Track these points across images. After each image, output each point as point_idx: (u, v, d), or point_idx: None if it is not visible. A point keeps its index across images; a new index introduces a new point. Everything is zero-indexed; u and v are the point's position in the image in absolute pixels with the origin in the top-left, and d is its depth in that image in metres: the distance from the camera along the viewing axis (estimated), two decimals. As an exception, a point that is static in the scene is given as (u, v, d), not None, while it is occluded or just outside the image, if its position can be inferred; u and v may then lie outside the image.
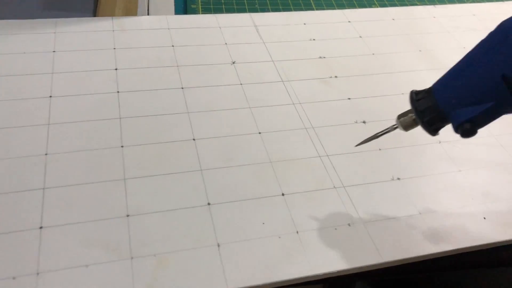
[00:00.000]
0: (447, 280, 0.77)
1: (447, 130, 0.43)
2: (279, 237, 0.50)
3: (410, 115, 0.44)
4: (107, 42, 0.72)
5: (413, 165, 0.59)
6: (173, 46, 0.73)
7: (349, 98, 0.68)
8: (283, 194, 0.54)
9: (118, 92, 0.64)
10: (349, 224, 0.52)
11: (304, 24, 0.82)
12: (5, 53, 0.67)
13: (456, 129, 0.40)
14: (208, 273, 0.46)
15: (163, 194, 0.52)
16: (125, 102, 0.62)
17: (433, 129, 0.43)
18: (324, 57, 0.75)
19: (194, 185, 0.54)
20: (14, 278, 0.44)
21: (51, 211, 0.49)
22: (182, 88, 0.66)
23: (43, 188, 0.51)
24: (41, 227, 0.48)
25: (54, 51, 0.69)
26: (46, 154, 0.55)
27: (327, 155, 0.59)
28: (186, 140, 0.59)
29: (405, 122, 0.45)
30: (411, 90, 0.45)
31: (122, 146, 0.57)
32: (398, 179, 0.57)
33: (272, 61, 0.73)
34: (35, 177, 0.52)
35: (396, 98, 0.69)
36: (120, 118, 0.60)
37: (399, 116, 0.45)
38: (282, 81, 0.69)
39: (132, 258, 0.46)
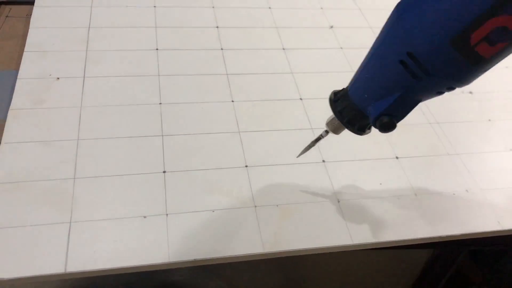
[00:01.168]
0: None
1: None
2: (398, 198, 0.49)
3: (335, 117, 0.41)
4: (205, 0, 0.71)
5: (525, 137, 0.58)
6: (270, 8, 0.72)
7: (452, 68, 0.66)
8: (397, 158, 0.53)
9: (222, 49, 0.64)
10: (467, 190, 0.51)
11: (398, -7, 0.80)
12: (109, 5, 0.67)
13: (374, 124, 0.38)
14: (332, 227, 0.46)
15: (278, 149, 0.52)
16: (229, 59, 0.62)
17: (357, 129, 0.40)
18: (422, 27, 0.73)
19: (307, 142, 0.53)
20: (145, 217, 0.44)
21: (171, 157, 0.50)
22: (284, 49, 0.66)
23: (162, 135, 0.52)
24: (164, 172, 0.48)
25: (154, 6, 0.69)
26: (160, 103, 0.55)
27: (437, 123, 0.58)
28: (293, 99, 0.59)
29: (333, 126, 0.42)
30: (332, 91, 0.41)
31: (232, 101, 0.57)
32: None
33: (370, 27, 0.71)
34: (153, 124, 0.53)
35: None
36: (227, 74, 0.60)
37: (327, 121, 0.42)
38: (383, 48, 0.68)
39: (255, 206, 0.47)
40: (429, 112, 0.59)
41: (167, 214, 0.45)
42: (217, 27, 0.67)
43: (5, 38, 0.63)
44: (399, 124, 0.56)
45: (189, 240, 0.43)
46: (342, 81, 0.62)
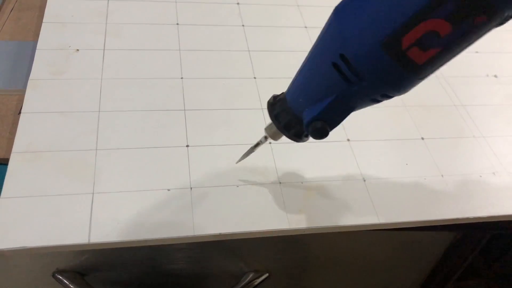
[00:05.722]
0: None
1: None
2: (425, 179, 0.48)
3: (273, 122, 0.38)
4: (225, -23, 0.70)
5: (552, 122, 0.57)
6: (290, -14, 0.71)
7: (476, 52, 0.65)
8: (422, 138, 0.52)
9: (243, 26, 0.63)
10: (493, 173, 0.50)
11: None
12: (128, -21, 0.66)
13: (307, 129, 0.35)
14: (357, 205, 0.45)
15: (302, 127, 0.51)
16: (251, 36, 0.61)
17: (293, 134, 0.37)
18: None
19: (331, 121, 0.52)
20: (169, 190, 0.44)
21: (194, 131, 0.49)
22: (306, 27, 0.64)
23: (184, 110, 0.51)
24: (187, 146, 0.48)
25: (174, -19, 0.67)
26: (181, 78, 0.54)
27: (462, 105, 0.57)
28: (316, 77, 0.57)
29: (271, 131, 0.39)
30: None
31: (254, 78, 0.56)
32: (539, 134, 0.55)
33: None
34: (176, 99, 0.52)
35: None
36: (248, 51, 0.59)
37: (266, 125, 0.40)
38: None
39: (280, 183, 0.46)
40: (454, 94, 0.58)
41: (191, 188, 0.44)
42: (238, 3, 0.66)
43: (22, 9, 0.62)
44: (423, 105, 0.56)
45: (214, 214, 0.42)
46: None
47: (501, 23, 0.27)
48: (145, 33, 0.59)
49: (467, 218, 0.46)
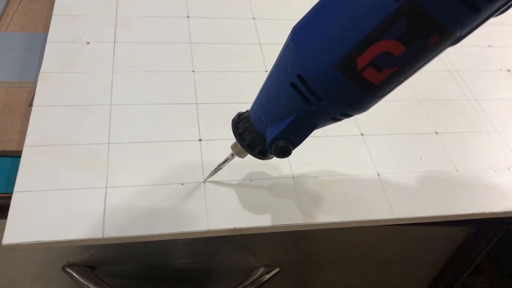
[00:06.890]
0: None
1: None
2: (439, 173, 0.48)
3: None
4: (234, -30, 0.69)
5: None
6: (300, -21, 0.70)
7: (489, 46, 0.64)
8: (436, 133, 0.52)
9: (254, 18, 0.62)
10: (508, 168, 0.49)
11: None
12: (137, -29, 0.65)
13: (270, 147, 0.35)
14: (372, 200, 0.45)
15: (315, 121, 0.51)
16: (262, 29, 0.61)
17: (257, 152, 0.37)
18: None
19: (344, 115, 0.52)
20: (182, 184, 0.43)
21: (206, 125, 0.49)
22: (317, 20, 0.63)
23: (196, 103, 0.50)
24: (200, 140, 0.47)
25: (183, -26, 0.67)
26: (193, 71, 0.54)
27: (476, 99, 0.56)
28: (328, 71, 0.57)
29: (236, 149, 0.39)
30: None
31: (266, 71, 0.55)
32: (553, 129, 0.54)
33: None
34: (187, 92, 0.51)
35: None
36: (260, 44, 0.59)
37: (232, 143, 0.40)
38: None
39: (294, 177, 0.45)
40: (467, 89, 0.57)
41: (204, 182, 0.44)
42: (248, -4, 0.65)
43: (32, 1, 0.61)
44: (436, 99, 0.55)
45: (228, 209, 0.42)
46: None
47: (456, 42, 0.27)
48: (155, 26, 0.58)
49: (483, 213, 0.46)
